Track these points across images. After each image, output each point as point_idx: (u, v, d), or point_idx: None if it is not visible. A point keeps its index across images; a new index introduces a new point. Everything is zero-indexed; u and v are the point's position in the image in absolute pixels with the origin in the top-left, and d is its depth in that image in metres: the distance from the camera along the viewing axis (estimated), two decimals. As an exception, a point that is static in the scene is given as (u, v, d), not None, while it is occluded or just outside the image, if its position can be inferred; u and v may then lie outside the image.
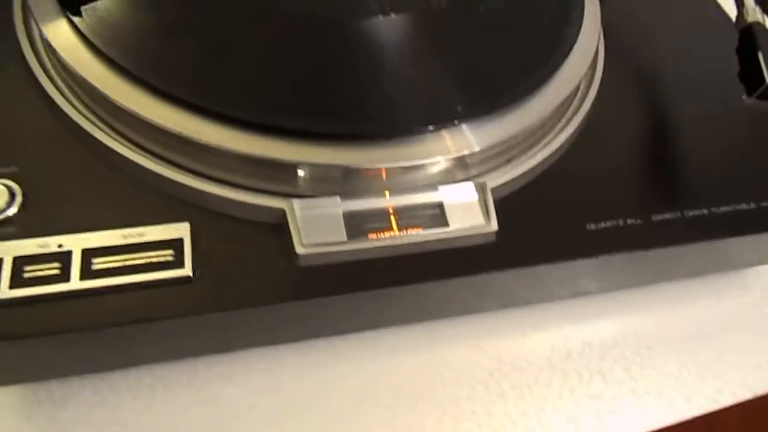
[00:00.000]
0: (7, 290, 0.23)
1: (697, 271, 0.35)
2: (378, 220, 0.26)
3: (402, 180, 0.27)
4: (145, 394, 0.29)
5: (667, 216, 0.30)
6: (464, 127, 0.28)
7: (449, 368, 0.32)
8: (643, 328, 0.35)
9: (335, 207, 0.26)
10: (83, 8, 0.27)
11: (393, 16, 0.30)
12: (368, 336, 0.32)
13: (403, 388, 0.31)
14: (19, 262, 0.23)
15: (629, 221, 0.29)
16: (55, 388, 0.29)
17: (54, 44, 0.27)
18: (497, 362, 0.33)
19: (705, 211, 0.30)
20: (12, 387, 0.28)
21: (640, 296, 0.36)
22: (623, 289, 0.35)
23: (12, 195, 0.25)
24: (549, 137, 0.31)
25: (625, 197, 0.30)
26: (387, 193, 0.27)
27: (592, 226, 0.29)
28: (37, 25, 0.28)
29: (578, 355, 0.34)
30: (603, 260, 0.28)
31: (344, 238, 0.25)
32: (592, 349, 0.34)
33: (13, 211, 0.25)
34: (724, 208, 0.31)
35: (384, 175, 0.27)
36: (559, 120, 0.31)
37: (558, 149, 0.30)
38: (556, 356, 0.33)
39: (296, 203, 0.26)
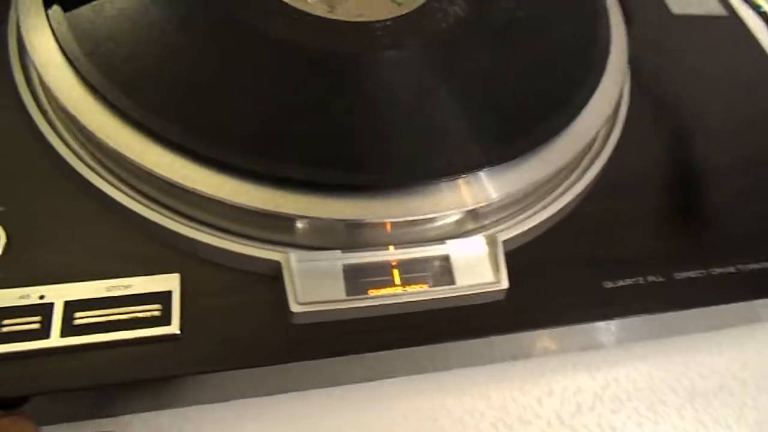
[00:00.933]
0: (-18, 346, 0.21)
1: (721, 324, 0.33)
2: (379, 274, 0.25)
3: (407, 233, 0.26)
4: (132, 439, 0.28)
5: (691, 274, 0.28)
6: (479, 176, 0.26)
7: (451, 419, 0.31)
8: (659, 381, 0.33)
9: (335, 260, 0.24)
10: (81, 42, 0.26)
11: (405, 53, 0.28)
12: (366, 385, 0.31)
13: (402, 440, 0.30)
14: (-2, 314, 0.22)
15: (650, 279, 0.27)
16: None
17: (46, 80, 0.25)
18: (502, 413, 0.31)
19: (732, 269, 0.28)
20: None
21: (656, 346, 0.34)
22: (639, 340, 0.34)
23: (-5, 237, 0.24)
24: (566, 184, 0.29)
25: (647, 253, 0.28)
26: (391, 246, 0.25)
27: (609, 284, 0.27)
28: (32, 62, 0.26)
29: (589, 409, 0.32)
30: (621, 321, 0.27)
31: (343, 295, 0.24)
32: (604, 402, 0.32)
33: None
34: (752, 266, 0.29)
35: (389, 228, 0.25)
36: (578, 166, 0.30)
37: (575, 198, 0.28)
38: (565, 410, 0.32)
39: (293, 255, 0.24)
